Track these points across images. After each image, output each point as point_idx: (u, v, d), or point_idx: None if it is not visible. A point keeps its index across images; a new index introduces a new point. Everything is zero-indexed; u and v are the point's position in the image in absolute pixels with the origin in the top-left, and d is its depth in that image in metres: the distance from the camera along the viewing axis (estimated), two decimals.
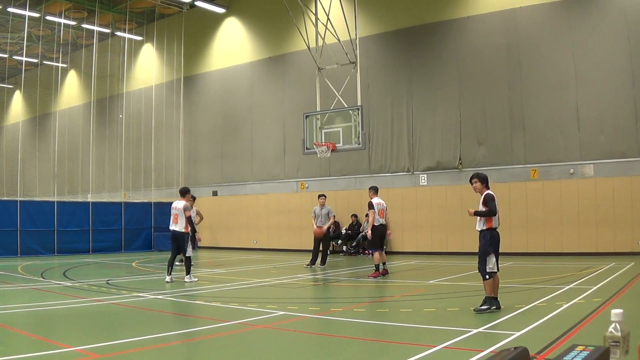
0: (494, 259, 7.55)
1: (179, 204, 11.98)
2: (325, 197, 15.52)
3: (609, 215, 15.83)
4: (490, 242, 7.57)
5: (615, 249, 15.46)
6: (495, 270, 7.54)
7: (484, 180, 7.91)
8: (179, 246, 11.92)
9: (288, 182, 22.20)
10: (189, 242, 11.98)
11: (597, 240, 15.95)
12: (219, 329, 6.88)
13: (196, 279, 11.96)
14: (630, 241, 15.41)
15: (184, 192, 12.27)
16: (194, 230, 12.06)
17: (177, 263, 15.93)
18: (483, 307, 7.43)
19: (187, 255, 11.93)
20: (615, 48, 16.06)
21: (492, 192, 7.79)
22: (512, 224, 17.34)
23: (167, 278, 11.68)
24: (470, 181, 8.02)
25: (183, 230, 11.81)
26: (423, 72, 19.34)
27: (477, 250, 7.71)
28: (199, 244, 12.05)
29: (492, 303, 7.46)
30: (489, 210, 7.62)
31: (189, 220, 11.86)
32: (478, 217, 7.72)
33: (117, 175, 26.74)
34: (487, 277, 7.49)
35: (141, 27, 27.55)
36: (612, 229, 15.73)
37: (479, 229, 7.71)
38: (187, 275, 11.85)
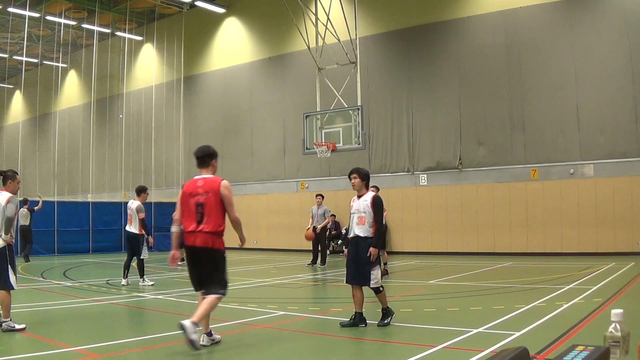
0: (379, 272, 6.77)
1: (133, 204, 11.30)
2: (322, 197, 15.39)
3: (609, 215, 15.83)
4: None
5: (615, 249, 15.46)
6: (380, 283, 6.74)
7: (364, 178, 6.90)
8: (134, 248, 11.31)
9: (288, 182, 22.20)
10: (145, 245, 11.30)
11: (597, 240, 15.95)
12: (219, 329, 6.87)
13: (151, 283, 11.25)
14: (630, 241, 15.41)
15: (140, 191, 11.42)
16: (147, 233, 11.32)
17: (179, 263, 15.90)
18: (386, 321, 6.74)
19: (140, 257, 11.23)
20: (615, 48, 16.07)
21: (379, 196, 7.00)
22: (512, 224, 17.35)
23: (123, 281, 11.05)
24: (349, 176, 6.97)
25: (137, 232, 11.13)
26: (423, 72, 19.34)
27: (362, 260, 6.69)
28: (152, 248, 11.44)
29: (390, 312, 6.80)
30: (378, 223, 6.74)
31: (142, 222, 11.15)
32: (357, 223, 6.78)
33: (117, 175, 26.74)
34: (381, 288, 6.73)
35: (141, 27, 27.55)
36: (612, 229, 15.73)
37: (364, 235, 6.73)
38: (140, 278, 11.20)
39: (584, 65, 16.50)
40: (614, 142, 16.00)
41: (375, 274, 6.68)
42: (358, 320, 6.77)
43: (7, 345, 5.96)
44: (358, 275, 6.75)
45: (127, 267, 11.24)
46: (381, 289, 6.75)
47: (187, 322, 5.25)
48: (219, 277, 5.74)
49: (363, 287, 6.80)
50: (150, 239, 11.41)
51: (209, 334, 5.82)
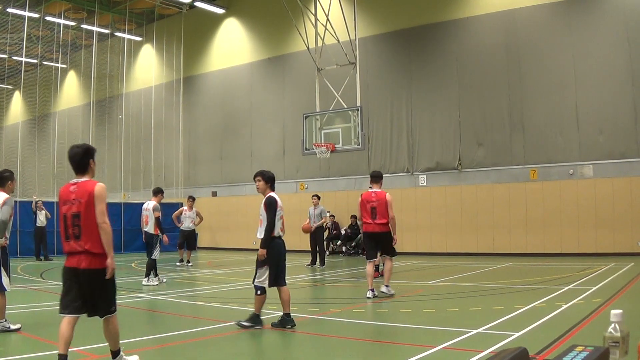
0: (267, 272, 6.69)
1: (149, 204, 11.61)
2: (319, 197, 15.47)
3: (609, 215, 15.83)
4: (269, 253, 6.72)
5: (614, 250, 15.46)
6: (266, 284, 6.69)
7: (268, 180, 7.00)
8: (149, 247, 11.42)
9: (287, 182, 22.18)
10: (158, 245, 11.49)
11: (597, 241, 15.95)
12: (219, 329, 6.88)
13: (156, 283, 11.38)
14: (630, 242, 15.41)
15: (156, 192, 11.83)
16: (162, 232, 11.52)
17: (177, 264, 15.91)
18: (245, 324, 6.68)
19: (152, 257, 11.39)
20: (615, 48, 16.07)
21: (274, 196, 6.90)
22: (511, 225, 17.35)
23: (156, 281, 11.38)
24: (254, 179, 7.13)
25: (152, 232, 11.40)
26: (423, 73, 19.34)
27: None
28: (164, 246, 11.41)
29: (256, 321, 6.70)
30: (267, 223, 6.71)
31: (157, 221, 11.37)
32: (259, 224, 6.87)
33: (116, 176, 26.72)
34: (258, 292, 6.71)
35: (141, 28, 27.55)
36: (612, 229, 15.73)
37: (260, 237, 6.87)
38: (145, 277, 11.39)
39: (584, 66, 16.50)
40: (614, 143, 16.01)
41: (261, 273, 6.73)
42: (285, 321, 6.78)
43: (6, 346, 5.96)
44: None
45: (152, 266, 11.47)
46: (259, 292, 6.70)
47: (383, 288, 9.18)
48: (391, 247, 9.43)
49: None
50: (165, 238, 11.59)
51: (387, 286, 9.31)
